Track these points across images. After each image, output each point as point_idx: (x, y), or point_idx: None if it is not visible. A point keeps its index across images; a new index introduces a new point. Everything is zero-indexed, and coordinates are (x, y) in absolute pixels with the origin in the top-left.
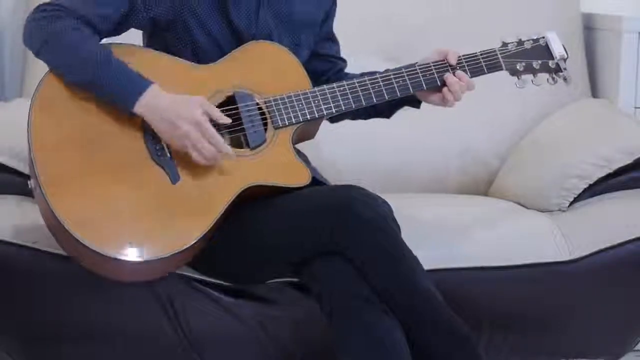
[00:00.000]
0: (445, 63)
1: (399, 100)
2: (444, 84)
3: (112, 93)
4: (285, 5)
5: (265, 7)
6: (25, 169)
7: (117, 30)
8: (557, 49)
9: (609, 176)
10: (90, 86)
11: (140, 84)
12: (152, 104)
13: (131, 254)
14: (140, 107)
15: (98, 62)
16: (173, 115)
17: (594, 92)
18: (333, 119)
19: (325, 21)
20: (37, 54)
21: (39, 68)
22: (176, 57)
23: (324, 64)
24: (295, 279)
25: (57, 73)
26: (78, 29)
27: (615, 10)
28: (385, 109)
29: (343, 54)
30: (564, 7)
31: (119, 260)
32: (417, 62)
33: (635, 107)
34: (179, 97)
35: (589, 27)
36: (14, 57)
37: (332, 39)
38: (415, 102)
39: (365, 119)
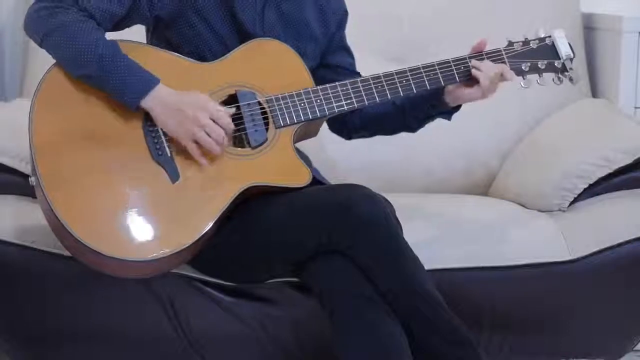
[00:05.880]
0: (449, 63)
1: (428, 113)
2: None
3: (118, 88)
4: (292, 9)
5: (272, 7)
6: (25, 169)
7: (119, 26)
8: (564, 49)
9: (609, 176)
10: (95, 80)
11: (148, 81)
12: (158, 99)
13: (128, 253)
14: (147, 102)
15: (105, 56)
16: (180, 104)
17: (594, 92)
18: (348, 137)
19: (337, 32)
20: (41, 44)
21: (39, 68)
22: (178, 55)
23: (334, 75)
24: (295, 279)
25: (60, 67)
26: (83, 22)
27: (615, 10)
28: (412, 122)
29: None
30: (564, 7)
31: (116, 259)
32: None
33: (635, 107)
34: (184, 92)
35: (589, 27)
36: (14, 57)
37: (347, 50)
38: (444, 114)
39: (388, 134)
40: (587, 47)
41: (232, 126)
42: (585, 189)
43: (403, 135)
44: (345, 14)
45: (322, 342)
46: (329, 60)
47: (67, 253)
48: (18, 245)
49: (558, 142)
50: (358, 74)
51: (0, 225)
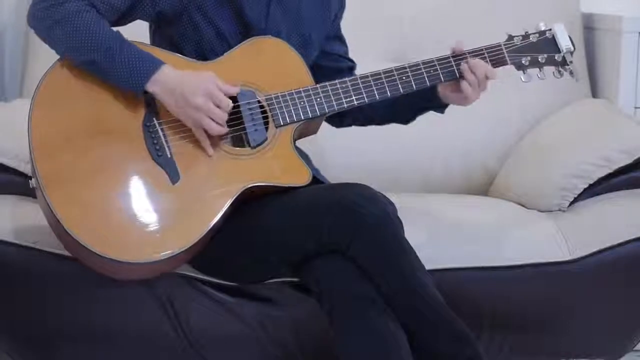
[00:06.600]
0: (449, 58)
1: (421, 106)
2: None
3: (124, 72)
4: (295, 2)
5: (276, 3)
6: (25, 169)
7: (121, 21)
8: (564, 42)
9: (609, 176)
10: (101, 65)
11: (153, 63)
12: (164, 81)
13: (128, 255)
14: (153, 86)
15: (111, 42)
16: (182, 87)
17: (594, 92)
18: (339, 124)
19: (334, 20)
20: (46, 36)
21: (39, 68)
22: (179, 55)
23: (331, 62)
24: (295, 279)
25: (60, 67)
26: (87, 11)
27: (615, 10)
28: (404, 114)
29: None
30: (564, 7)
31: (116, 261)
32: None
33: (635, 107)
34: (188, 72)
35: (589, 27)
36: (14, 57)
37: (341, 40)
38: (438, 108)
39: (380, 124)
40: (587, 47)
41: (230, 103)
42: (585, 189)
43: (403, 135)
44: (342, 4)
45: (322, 342)
46: (326, 48)
47: (67, 253)
48: (19, 246)
49: (558, 142)
50: (352, 62)
51: (1, 226)
